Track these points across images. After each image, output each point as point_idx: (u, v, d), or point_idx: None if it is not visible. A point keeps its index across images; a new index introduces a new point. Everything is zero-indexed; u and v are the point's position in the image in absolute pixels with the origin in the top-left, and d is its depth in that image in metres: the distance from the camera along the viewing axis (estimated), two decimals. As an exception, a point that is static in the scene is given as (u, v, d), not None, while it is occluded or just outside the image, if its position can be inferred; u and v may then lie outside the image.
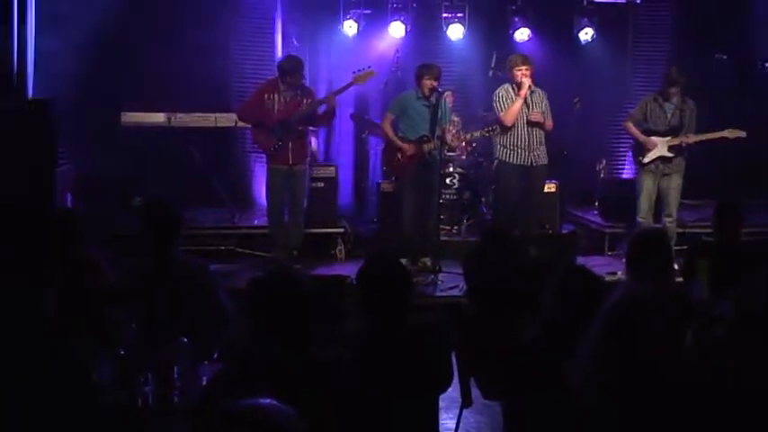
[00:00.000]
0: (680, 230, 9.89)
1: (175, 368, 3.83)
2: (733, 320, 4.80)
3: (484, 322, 5.25)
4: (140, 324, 4.27)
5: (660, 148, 9.08)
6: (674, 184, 9.16)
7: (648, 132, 9.16)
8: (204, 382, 3.76)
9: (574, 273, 4.07)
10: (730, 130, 9.13)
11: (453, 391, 5.08)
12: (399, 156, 8.88)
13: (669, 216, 9.19)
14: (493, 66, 11.06)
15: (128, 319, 4.40)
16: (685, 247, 9.16)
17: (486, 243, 5.88)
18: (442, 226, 9.50)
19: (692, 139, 9.09)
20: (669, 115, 9.13)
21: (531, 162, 8.99)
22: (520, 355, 4.09)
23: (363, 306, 3.73)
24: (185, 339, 3.99)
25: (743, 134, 9.11)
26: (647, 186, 9.19)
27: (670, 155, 9.10)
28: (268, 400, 2.13)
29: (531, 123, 8.97)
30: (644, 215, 9.21)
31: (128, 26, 10.26)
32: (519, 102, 8.84)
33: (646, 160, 9.16)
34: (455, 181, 10.42)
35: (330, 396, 3.24)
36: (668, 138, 9.07)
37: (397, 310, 3.73)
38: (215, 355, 4.40)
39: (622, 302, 3.04)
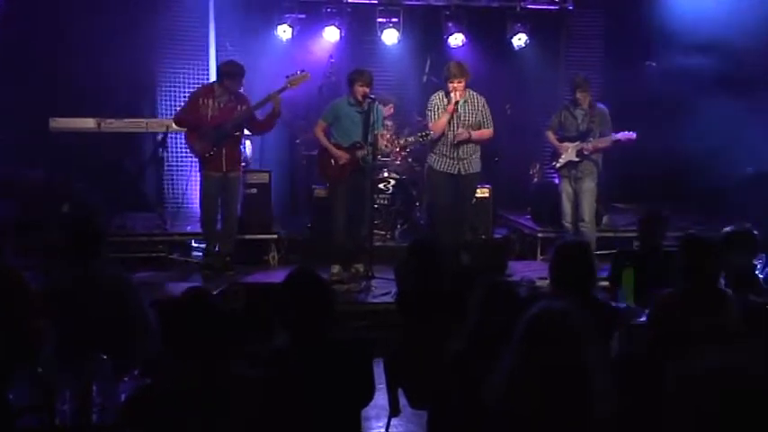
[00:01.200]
0: (610, 234, 10.09)
1: (94, 386, 3.77)
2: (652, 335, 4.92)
3: (412, 332, 5.26)
4: (60, 339, 4.20)
5: (570, 153, 9.30)
6: (586, 187, 9.33)
7: (563, 139, 9.35)
8: (123, 400, 3.71)
9: (494, 288, 4.08)
10: (622, 133, 9.22)
11: (382, 399, 5.11)
12: (332, 163, 8.85)
13: (583, 221, 9.34)
14: (427, 71, 11.13)
15: (48, 332, 4.34)
16: (613, 251, 9.39)
17: (412, 254, 5.88)
18: (375, 231, 9.50)
19: (590, 144, 9.22)
20: (579, 121, 9.34)
21: (460, 171, 8.94)
22: (446, 365, 4.09)
23: (283, 322, 3.71)
24: (105, 356, 3.93)
25: (632, 135, 9.19)
26: (566, 191, 9.45)
27: (577, 159, 9.29)
28: None
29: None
30: (568, 219, 9.46)
31: (57, 30, 10.09)
32: (446, 116, 8.84)
33: (557, 165, 9.45)
34: (389, 186, 10.41)
35: (249, 415, 3.22)
36: (576, 143, 9.23)
37: (315, 325, 3.71)
38: (135, 371, 4.33)
39: (540, 316, 3.05)
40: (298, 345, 3.67)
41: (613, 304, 5.65)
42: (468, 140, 8.90)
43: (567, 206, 9.43)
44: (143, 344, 4.76)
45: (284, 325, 3.72)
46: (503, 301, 3.88)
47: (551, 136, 9.56)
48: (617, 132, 9.26)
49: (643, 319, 5.27)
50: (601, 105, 9.46)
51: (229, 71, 8.77)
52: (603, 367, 3.81)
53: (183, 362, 3.36)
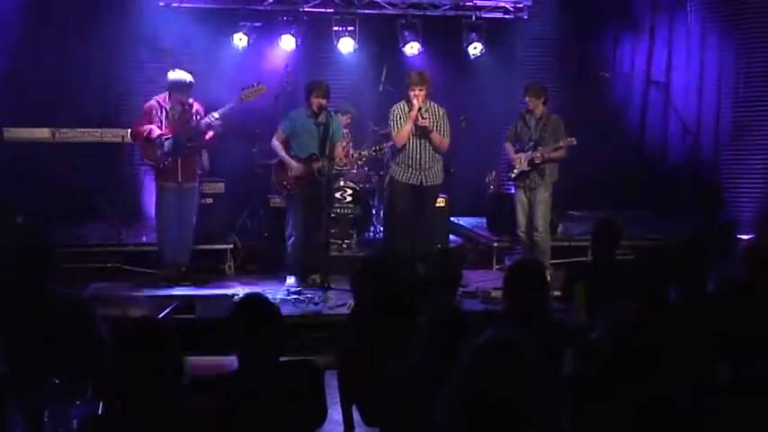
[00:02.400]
0: (565, 244, 10.19)
1: (46, 412, 3.76)
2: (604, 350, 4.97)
3: (364, 346, 5.27)
4: (9, 362, 4.17)
5: (522, 163, 9.36)
6: (539, 197, 9.36)
7: (519, 149, 9.43)
8: (75, 425, 3.70)
9: (441, 319, 4.09)
10: (565, 140, 9.26)
11: (337, 415, 5.14)
12: (289, 174, 8.86)
13: (536, 230, 9.36)
14: (383, 80, 11.15)
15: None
16: (567, 261, 9.52)
17: (367, 268, 5.89)
18: (332, 240, 9.51)
19: (538, 153, 9.28)
20: (532, 130, 9.37)
21: (422, 182, 8.97)
22: (397, 383, 4.12)
23: (236, 349, 3.71)
24: (57, 380, 3.92)
25: (573, 141, 9.21)
26: (521, 200, 9.48)
27: (529, 169, 9.34)
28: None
29: (423, 142, 8.95)
30: (523, 228, 9.50)
31: (10, 39, 10.00)
32: (409, 123, 8.84)
33: (512, 175, 9.51)
34: (346, 195, 10.44)
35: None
36: (528, 153, 9.31)
37: (266, 351, 3.72)
38: (88, 393, 4.31)
39: (486, 347, 3.07)
40: (248, 370, 3.68)
41: (565, 319, 5.74)
42: (433, 141, 8.88)
43: (521, 216, 9.46)
44: (97, 364, 4.73)
45: (235, 350, 3.73)
46: (449, 330, 3.89)
47: (509, 146, 9.59)
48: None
49: (594, 334, 5.33)
50: (554, 114, 9.50)
51: (176, 82, 8.73)
52: (553, 394, 3.89)
53: (131, 392, 3.34)
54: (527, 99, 9.34)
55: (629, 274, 5.09)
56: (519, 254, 9.70)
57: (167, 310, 6.41)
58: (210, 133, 8.81)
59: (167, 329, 3.29)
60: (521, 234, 9.51)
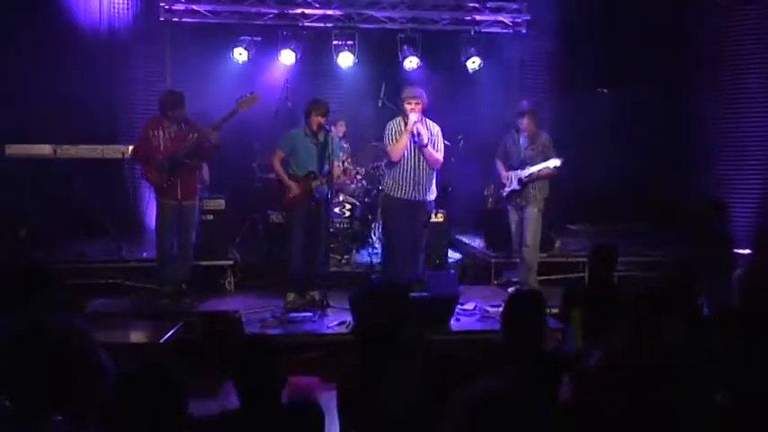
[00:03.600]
0: (562, 260, 10.26)
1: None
2: (600, 373, 5.02)
3: (366, 379, 5.30)
4: (8, 396, 4.16)
5: (512, 181, 9.45)
6: (529, 214, 9.45)
7: (509, 167, 9.48)
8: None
9: (432, 361, 4.13)
10: (551, 159, 9.33)
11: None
12: (288, 193, 8.91)
13: (526, 246, 9.46)
14: (382, 95, 11.18)
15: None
16: (564, 276, 9.62)
17: (367, 297, 5.92)
18: (331, 255, 9.56)
19: (527, 172, 9.37)
20: (522, 149, 9.46)
21: (416, 197, 8.95)
22: (395, 416, 4.17)
23: (236, 386, 3.76)
24: (59, 416, 3.93)
25: (558, 162, 9.27)
26: (513, 218, 9.63)
27: (519, 188, 9.45)
28: None
29: (417, 158, 8.99)
30: (516, 246, 9.60)
31: (12, 56, 10.07)
32: (405, 136, 8.82)
33: (504, 194, 9.61)
34: (345, 210, 10.51)
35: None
36: (518, 171, 9.42)
37: (268, 392, 3.77)
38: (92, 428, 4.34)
39: (482, 403, 3.05)
40: (249, 410, 3.73)
41: (562, 344, 5.79)
42: (424, 147, 8.83)
43: (515, 233, 9.63)
44: (100, 395, 4.75)
45: (236, 389, 3.78)
46: (444, 371, 3.93)
47: (499, 164, 9.70)
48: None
49: (591, 361, 5.38)
50: (543, 133, 9.54)
51: (169, 101, 8.75)
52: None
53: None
54: (524, 120, 9.38)
55: (624, 305, 5.13)
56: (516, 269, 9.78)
57: (170, 333, 6.40)
58: (209, 146, 8.82)
59: (175, 371, 3.33)
60: (516, 250, 9.64)
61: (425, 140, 8.79)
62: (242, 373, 3.75)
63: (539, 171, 9.28)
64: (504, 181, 9.51)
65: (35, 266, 4.94)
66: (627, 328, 5.03)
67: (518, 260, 9.66)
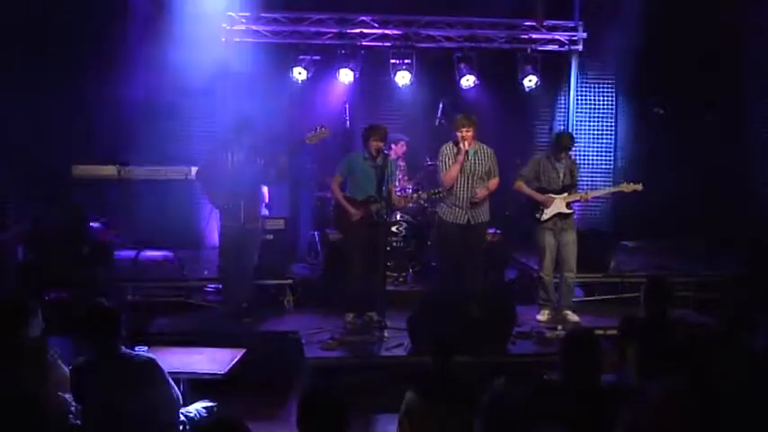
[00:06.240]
0: (617, 280, 10.28)
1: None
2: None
3: (426, 414, 5.41)
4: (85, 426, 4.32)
5: (558, 204, 9.42)
6: (570, 239, 9.46)
7: (541, 191, 9.47)
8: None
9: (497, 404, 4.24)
10: (625, 183, 9.47)
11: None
12: (348, 217, 9.05)
13: (570, 271, 9.47)
14: (439, 115, 11.34)
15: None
16: (618, 296, 9.64)
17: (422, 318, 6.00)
18: (388, 273, 9.65)
19: (591, 194, 9.52)
20: (561, 174, 9.46)
21: (469, 221, 9.16)
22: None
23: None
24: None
25: (639, 187, 9.37)
26: (549, 243, 9.46)
27: (568, 211, 9.46)
28: None
29: (470, 182, 9.13)
30: (547, 272, 9.53)
31: (80, 80, 10.34)
32: (456, 166, 9.05)
33: (544, 218, 9.46)
34: (401, 229, 10.62)
35: None
36: (564, 195, 9.41)
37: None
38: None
39: None
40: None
41: (618, 378, 5.83)
42: (485, 197, 9.07)
43: (548, 260, 9.46)
44: (172, 425, 4.94)
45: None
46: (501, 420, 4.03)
47: (526, 188, 9.49)
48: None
49: (649, 397, 5.44)
50: (573, 157, 9.74)
51: (237, 127, 8.95)
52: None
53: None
54: (562, 151, 9.41)
55: (680, 346, 5.18)
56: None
57: (234, 362, 6.49)
58: (274, 172, 8.99)
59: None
60: (544, 277, 9.55)
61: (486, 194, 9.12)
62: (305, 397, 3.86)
63: (596, 193, 9.38)
64: (548, 204, 9.43)
65: (108, 309, 5.14)
66: (683, 369, 5.10)
67: (542, 288, 9.63)
